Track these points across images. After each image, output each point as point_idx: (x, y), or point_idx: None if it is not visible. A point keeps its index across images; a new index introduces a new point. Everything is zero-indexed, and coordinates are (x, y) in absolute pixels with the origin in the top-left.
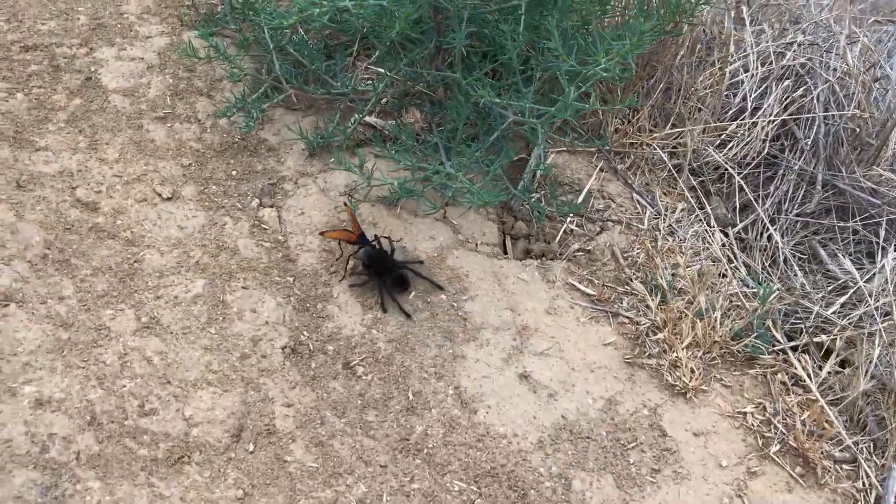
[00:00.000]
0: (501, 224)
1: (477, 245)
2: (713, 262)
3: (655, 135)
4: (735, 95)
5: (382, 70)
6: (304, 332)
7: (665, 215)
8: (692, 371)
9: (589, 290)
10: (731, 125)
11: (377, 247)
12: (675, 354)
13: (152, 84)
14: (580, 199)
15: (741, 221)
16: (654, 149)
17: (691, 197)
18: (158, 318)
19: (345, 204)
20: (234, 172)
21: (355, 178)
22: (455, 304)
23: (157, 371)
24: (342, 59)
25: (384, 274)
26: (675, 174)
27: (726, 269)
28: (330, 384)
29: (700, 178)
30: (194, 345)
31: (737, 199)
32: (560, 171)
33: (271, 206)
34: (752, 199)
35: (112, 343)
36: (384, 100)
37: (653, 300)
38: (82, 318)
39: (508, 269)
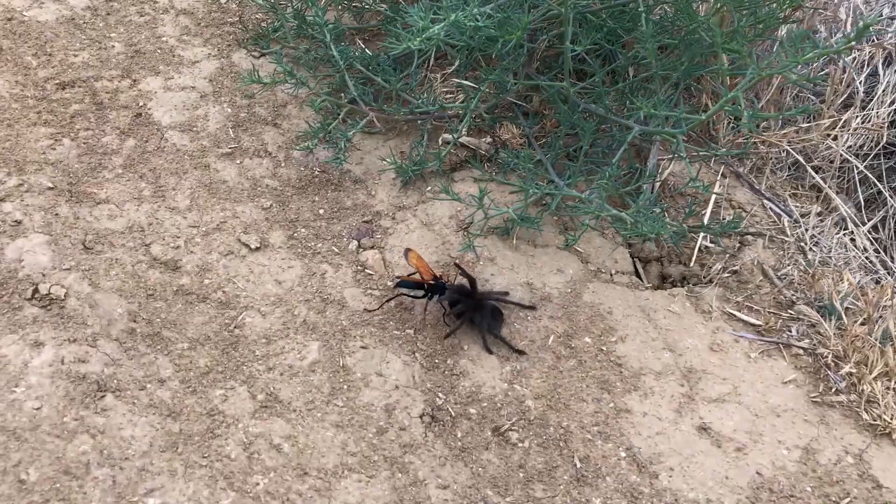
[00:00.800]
0: (628, 247)
1: (612, 275)
2: (867, 271)
3: (781, 132)
4: (841, 82)
5: (465, 83)
6: (440, 395)
7: (801, 222)
8: (892, 406)
9: (751, 319)
10: (848, 114)
11: (451, 287)
12: (867, 388)
13: (210, 116)
14: (708, 211)
15: (868, 219)
16: (777, 148)
17: (818, 197)
18: (276, 394)
19: (407, 251)
20: (321, 211)
21: (458, 207)
22: (604, 348)
23: (290, 461)
24: (416, 74)
25: (476, 311)
26: (798, 173)
27: (880, 276)
28: (483, 456)
29: (821, 175)
30: (323, 423)
31: (860, 193)
32: (678, 179)
33: (372, 248)
34: (885, 192)
35: (231, 431)
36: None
37: (827, 325)
38: (190, 404)
39: (655, 302)
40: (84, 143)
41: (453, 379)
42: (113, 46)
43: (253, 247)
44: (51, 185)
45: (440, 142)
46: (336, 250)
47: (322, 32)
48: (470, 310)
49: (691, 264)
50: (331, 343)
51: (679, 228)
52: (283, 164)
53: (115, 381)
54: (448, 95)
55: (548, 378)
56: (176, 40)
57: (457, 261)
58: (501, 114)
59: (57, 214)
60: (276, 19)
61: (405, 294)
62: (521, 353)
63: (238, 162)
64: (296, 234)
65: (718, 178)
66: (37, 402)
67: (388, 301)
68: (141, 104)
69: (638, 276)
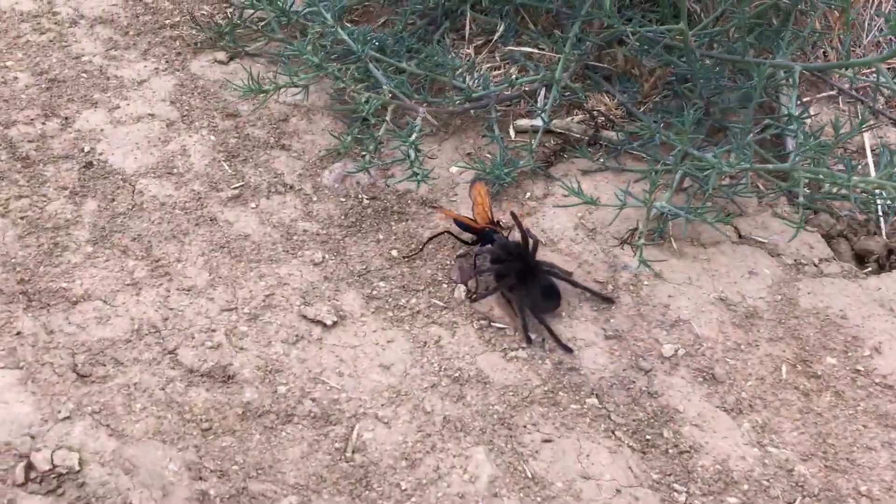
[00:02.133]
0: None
1: (817, 265)
2: None
3: None
4: None
5: (525, 49)
6: (677, 487)
7: None
8: None
9: None
10: None
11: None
12: None
13: (190, 149)
14: (870, 162)
15: None
16: None
17: None
18: None
19: (473, 182)
20: (394, 252)
21: (580, 212)
22: (859, 368)
23: None
24: (444, 50)
25: (524, 280)
26: None
27: None
28: None
29: None
30: None
31: None
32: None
33: (572, 356)
34: None
35: None
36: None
37: None
38: None
39: (891, 289)
40: (22, 219)
41: (683, 458)
42: (15, 79)
43: (328, 322)
44: None
45: (512, 132)
46: (440, 303)
47: (320, 14)
48: (515, 276)
49: (887, 235)
50: (497, 443)
51: (866, 185)
52: (314, 198)
53: None
54: (495, 73)
55: (805, 427)
56: (103, 58)
57: (512, 210)
58: (583, 83)
59: (19, 333)
60: (247, 6)
61: (453, 235)
62: (568, 349)
63: (253, 206)
64: (375, 293)
65: (850, 119)
66: None
67: (429, 241)
68: (87, 149)
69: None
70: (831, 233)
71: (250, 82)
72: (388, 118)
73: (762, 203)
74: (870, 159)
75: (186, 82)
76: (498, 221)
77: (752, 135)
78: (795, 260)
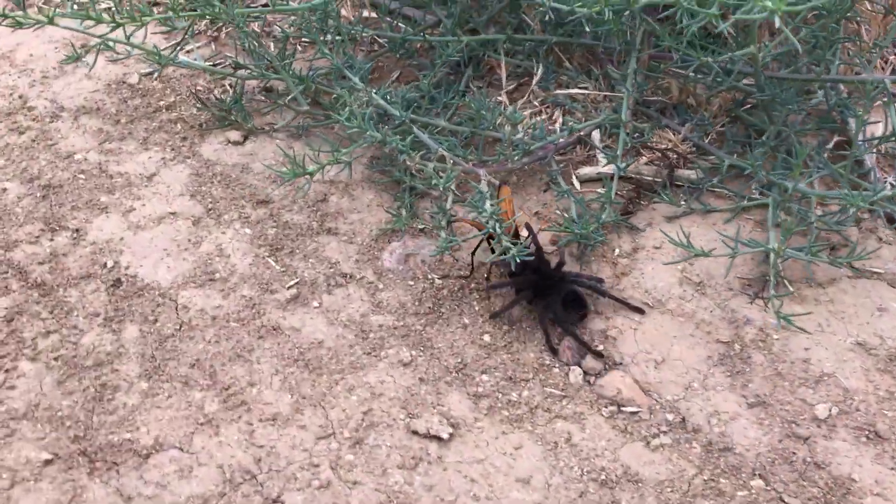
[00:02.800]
0: None
1: None
2: None
3: None
4: None
5: (576, 91)
6: None
7: None
8: None
9: None
10: None
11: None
12: None
13: (227, 248)
14: None
15: None
16: None
17: None
18: None
19: (499, 185)
20: (486, 338)
21: (681, 263)
22: None
23: None
24: (483, 101)
25: (545, 292)
26: None
27: None
28: None
29: None
30: None
31: None
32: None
33: (608, 369)
34: None
35: None
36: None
37: None
38: None
39: None
40: (56, 360)
41: None
42: (4, 190)
43: (444, 436)
44: (48, 457)
45: (576, 183)
46: (556, 391)
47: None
48: (534, 288)
49: None
50: None
51: None
52: (380, 286)
53: None
54: (537, 119)
55: None
56: (98, 153)
57: (528, 223)
58: (640, 120)
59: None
60: (254, 77)
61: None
62: (598, 355)
63: (316, 305)
64: (481, 390)
65: None
66: None
67: (474, 254)
68: (109, 264)
69: None
70: None
71: (293, 164)
72: (452, 187)
73: (862, 229)
74: None
75: (202, 170)
76: (520, 227)
77: (826, 155)
78: None
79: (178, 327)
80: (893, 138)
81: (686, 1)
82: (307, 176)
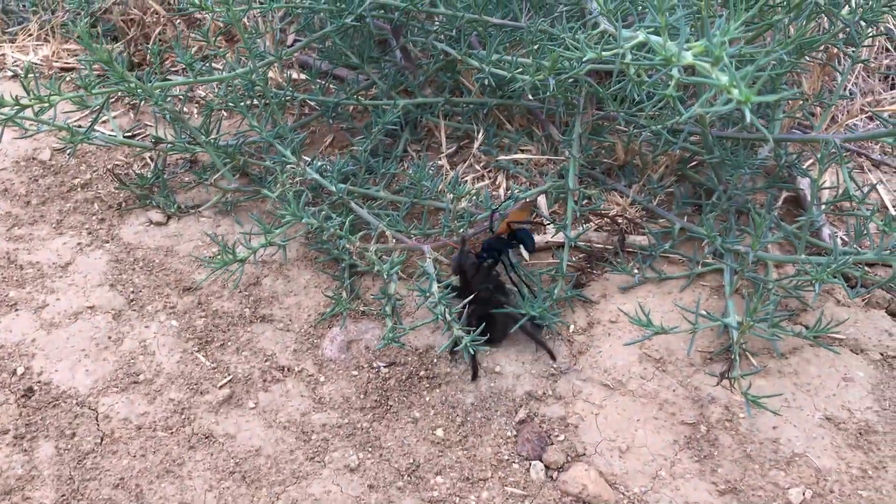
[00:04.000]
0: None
1: None
2: None
3: None
4: None
5: (514, 157)
6: None
7: None
8: None
9: None
10: None
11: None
12: None
13: (151, 344)
14: None
15: None
16: None
17: None
18: None
19: (513, 197)
20: (439, 432)
21: (646, 347)
22: None
23: None
24: (423, 168)
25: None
26: None
27: None
28: None
29: None
30: None
31: None
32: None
33: (570, 461)
34: None
35: None
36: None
37: None
38: None
39: None
40: None
41: None
42: None
43: None
44: None
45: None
46: (520, 492)
47: (279, 152)
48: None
49: None
50: None
51: None
52: (321, 378)
53: None
54: (479, 185)
55: None
56: (6, 240)
57: (463, 235)
58: (585, 182)
59: None
60: (177, 150)
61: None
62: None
63: (251, 406)
64: (436, 495)
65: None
66: None
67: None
68: (20, 370)
69: None
70: (892, 308)
71: (221, 251)
72: (396, 269)
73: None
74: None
75: (122, 255)
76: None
77: (777, 213)
78: (882, 354)
79: (98, 441)
80: (848, 198)
81: (635, 73)
82: (238, 263)
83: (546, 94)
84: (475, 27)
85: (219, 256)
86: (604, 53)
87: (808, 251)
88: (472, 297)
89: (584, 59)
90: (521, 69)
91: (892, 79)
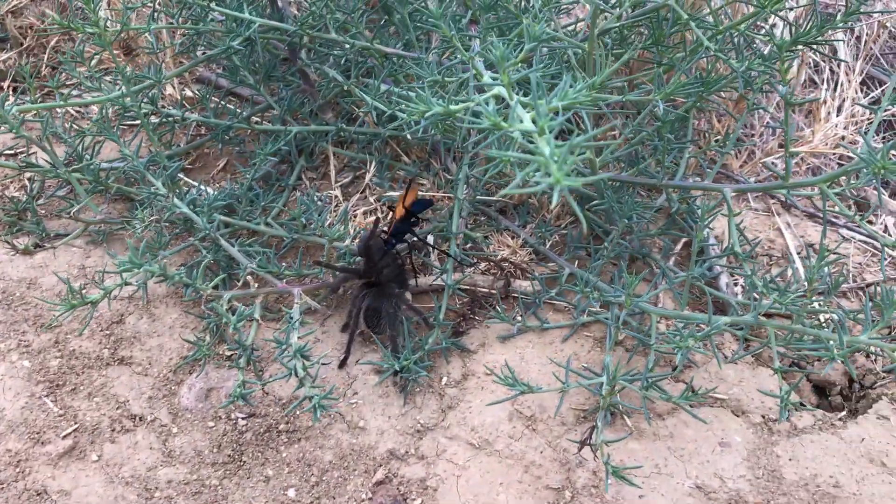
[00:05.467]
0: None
1: (790, 419)
2: None
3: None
4: None
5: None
6: None
7: None
8: None
9: None
10: None
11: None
12: None
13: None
14: (800, 270)
15: None
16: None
17: None
18: None
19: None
20: (291, 493)
21: (518, 403)
22: None
23: None
24: (310, 203)
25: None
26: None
27: None
28: None
29: None
30: None
31: None
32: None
33: None
34: None
35: None
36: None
37: None
38: None
39: (872, 437)
40: None
41: None
42: None
43: None
44: None
45: (407, 294)
46: None
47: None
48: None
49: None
50: None
51: (855, 346)
52: (174, 429)
53: None
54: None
55: None
56: None
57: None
58: (476, 220)
59: None
60: (49, 175)
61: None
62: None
63: (94, 458)
64: None
65: (751, 217)
66: None
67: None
68: None
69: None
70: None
71: (69, 294)
72: (257, 315)
73: (706, 346)
74: (798, 263)
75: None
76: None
77: (672, 260)
78: (763, 416)
79: None
80: (735, 254)
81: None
82: (89, 305)
83: (429, 133)
84: (371, 54)
85: (66, 298)
86: (451, 108)
87: (704, 302)
88: (368, 282)
89: (428, 115)
90: (400, 105)
91: (813, 113)
